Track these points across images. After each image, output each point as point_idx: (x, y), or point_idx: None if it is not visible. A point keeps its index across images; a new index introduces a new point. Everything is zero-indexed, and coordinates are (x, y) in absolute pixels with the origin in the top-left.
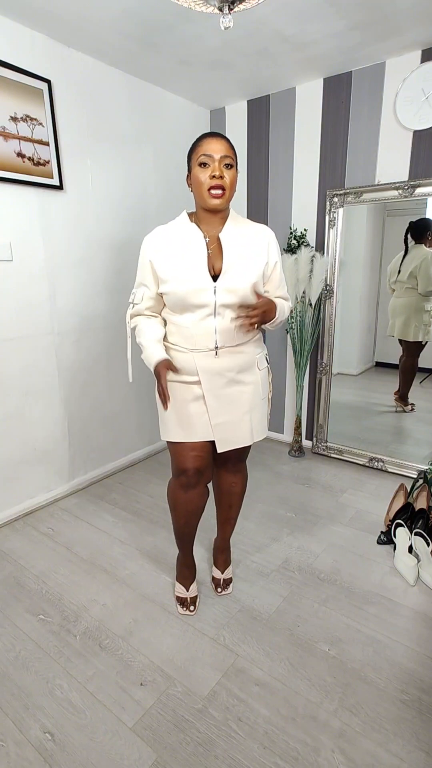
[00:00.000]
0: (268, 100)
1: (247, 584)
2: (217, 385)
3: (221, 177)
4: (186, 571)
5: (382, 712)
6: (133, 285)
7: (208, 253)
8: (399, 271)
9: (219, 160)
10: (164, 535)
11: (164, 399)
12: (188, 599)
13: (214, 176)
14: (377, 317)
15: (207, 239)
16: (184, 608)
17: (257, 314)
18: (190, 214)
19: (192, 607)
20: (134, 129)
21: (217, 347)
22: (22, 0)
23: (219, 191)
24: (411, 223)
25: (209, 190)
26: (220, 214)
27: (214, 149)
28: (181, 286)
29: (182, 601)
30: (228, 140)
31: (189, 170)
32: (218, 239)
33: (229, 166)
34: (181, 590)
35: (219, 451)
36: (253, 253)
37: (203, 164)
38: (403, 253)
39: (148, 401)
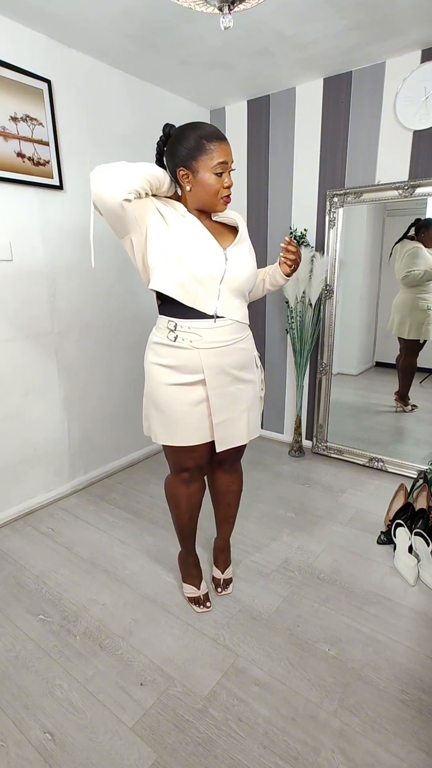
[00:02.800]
0: (268, 100)
1: (247, 584)
2: (222, 383)
3: (230, 185)
4: (193, 570)
5: (382, 712)
6: (135, 286)
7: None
8: (390, 257)
9: (230, 168)
10: (164, 535)
11: None
12: (201, 597)
13: (227, 186)
14: (377, 317)
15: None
16: (201, 606)
17: (297, 249)
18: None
19: (208, 603)
20: (134, 129)
21: (216, 315)
22: (22, 0)
23: (229, 199)
24: (418, 219)
25: (223, 198)
26: None
27: (229, 156)
28: (193, 241)
29: (196, 600)
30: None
31: (190, 169)
32: (214, 226)
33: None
34: (192, 590)
35: (218, 450)
36: (246, 239)
37: (219, 173)
38: (394, 243)
39: None
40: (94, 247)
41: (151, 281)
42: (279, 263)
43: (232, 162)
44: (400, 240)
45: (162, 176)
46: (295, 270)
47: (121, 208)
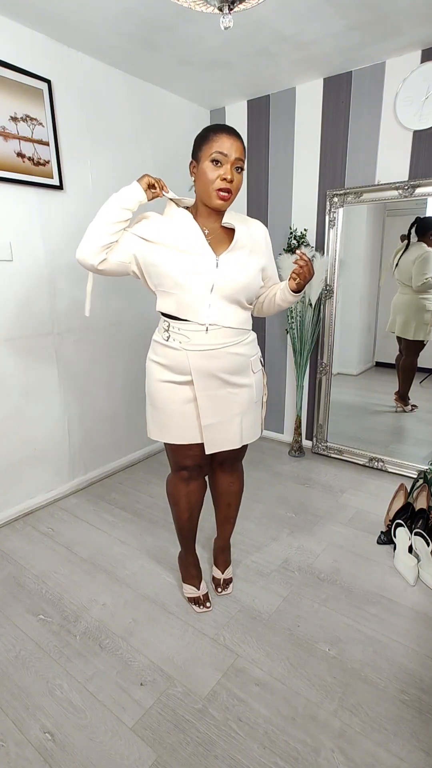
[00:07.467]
0: (268, 100)
1: (247, 584)
2: (210, 386)
3: (231, 181)
4: (193, 571)
5: (382, 712)
6: (135, 286)
7: (208, 242)
8: (396, 265)
9: (233, 161)
10: (164, 535)
11: (161, 185)
12: (201, 597)
13: (224, 179)
14: (377, 317)
15: (206, 231)
16: (201, 606)
17: (309, 263)
18: (186, 207)
19: (208, 603)
20: (134, 129)
21: (208, 324)
22: (22, 0)
23: (226, 194)
24: (418, 218)
25: (217, 190)
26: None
27: (231, 148)
28: (182, 254)
29: (196, 601)
30: (242, 140)
31: (196, 160)
32: (219, 231)
33: (239, 170)
34: (192, 590)
35: (207, 452)
36: (255, 247)
37: (216, 161)
38: (403, 248)
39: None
40: (90, 298)
41: (157, 302)
42: (289, 278)
43: (240, 160)
44: (406, 249)
45: (123, 197)
46: (303, 285)
47: (100, 269)
